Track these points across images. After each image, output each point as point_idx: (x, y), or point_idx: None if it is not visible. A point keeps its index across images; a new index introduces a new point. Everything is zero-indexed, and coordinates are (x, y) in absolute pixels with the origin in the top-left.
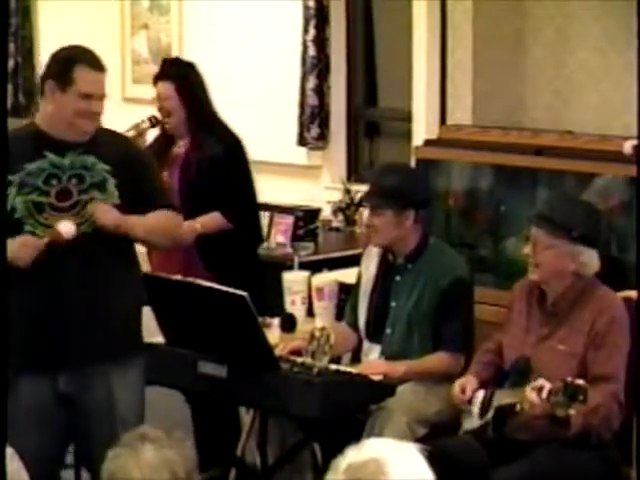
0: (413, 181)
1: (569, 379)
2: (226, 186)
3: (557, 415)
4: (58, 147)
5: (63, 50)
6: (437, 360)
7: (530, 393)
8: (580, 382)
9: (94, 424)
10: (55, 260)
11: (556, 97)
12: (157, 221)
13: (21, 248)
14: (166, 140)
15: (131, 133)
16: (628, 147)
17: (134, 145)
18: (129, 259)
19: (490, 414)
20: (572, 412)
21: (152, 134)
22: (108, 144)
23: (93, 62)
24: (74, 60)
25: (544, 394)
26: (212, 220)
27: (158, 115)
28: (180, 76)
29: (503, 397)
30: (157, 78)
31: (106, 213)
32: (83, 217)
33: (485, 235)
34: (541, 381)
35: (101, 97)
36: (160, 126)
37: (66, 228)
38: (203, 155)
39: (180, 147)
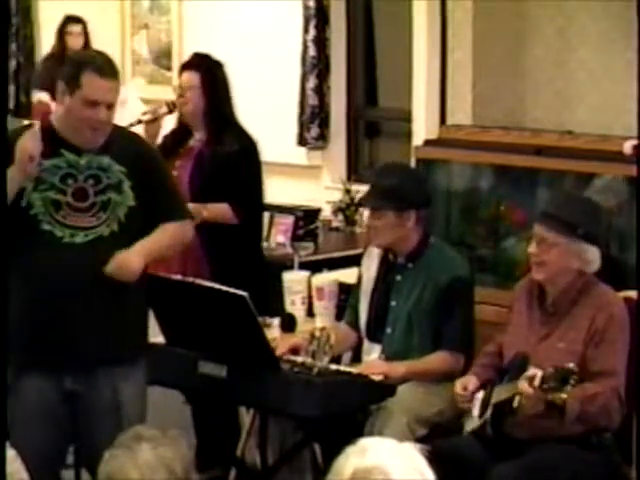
0: (413, 181)
1: (560, 364)
2: (238, 183)
3: (552, 401)
4: (73, 147)
5: (78, 52)
6: (437, 359)
7: (523, 384)
8: (570, 365)
9: (99, 423)
10: (61, 260)
11: (556, 97)
12: (169, 239)
13: (24, 146)
14: (183, 132)
15: (147, 117)
16: (628, 147)
17: (147, 146)
18: None
19: (489, 412)
20: (564, 396)
21: (167, 120)
22: (123, 144)
23: (103, 68)
24: (84, 64)
25: (536, 382)
26: (219, 210)
27: (177, 102)
28: (207, 69)
29: (501, 393)
30: (184, 67)
31: (123, 273)
32: (100, 219)
33: (485, 235)
34: (533, 371)
35: (109, 105)
36: (178, 117)
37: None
38: (218, 151)
39: (196, 140)
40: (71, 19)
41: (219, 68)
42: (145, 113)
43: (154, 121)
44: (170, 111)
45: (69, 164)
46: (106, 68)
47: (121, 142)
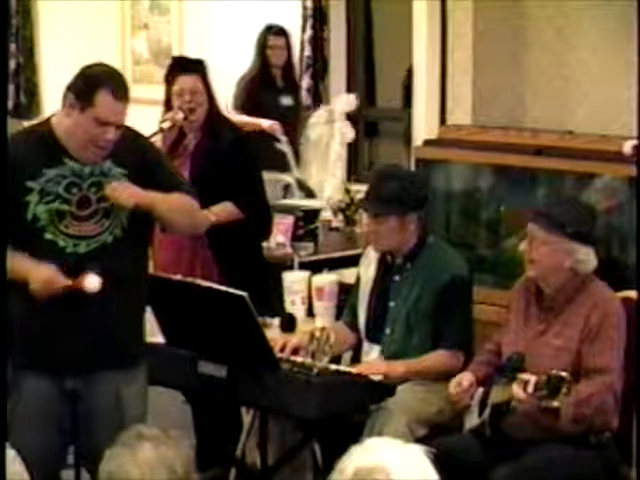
0: (413, 185)
1: (553, 371)
2: (237, 175)
3: (546, 407)
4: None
5: (93, 67)
6: (437, 358)
7: (517, 389)
8: (563, 374)
9: (100, 424)
10: (64, 271)
11: (556, 97)
12: (177, 200)
13: (44, 284)
14: (178, 133)
15: (166, 125)
16: (628, 147)
17: (143, 139)
18: (142, 263)
19: (486, 412)
20: (556, 404)
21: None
22: (124, 146)
23: (118, 90)
24: (100, 82)
25: (530, 388)
26: (224, 210)
27: (186, 106)
28: (203, 70)
29: (497, 394)
30: (178, 73)
31: (122, 193)
32: (103, 226)
33: (485, 235)
34: (526, 376)
35: (118, 127)
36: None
37: (91, 284)
38: (213, 146)
39: (190, 139)
40: (272, 30)
41: (205, 67)
42: (164, 121)
43: (172, 128)
44: (185, 117)
45: (73, 172)
46: (121, 90)
47: (122, 144)
